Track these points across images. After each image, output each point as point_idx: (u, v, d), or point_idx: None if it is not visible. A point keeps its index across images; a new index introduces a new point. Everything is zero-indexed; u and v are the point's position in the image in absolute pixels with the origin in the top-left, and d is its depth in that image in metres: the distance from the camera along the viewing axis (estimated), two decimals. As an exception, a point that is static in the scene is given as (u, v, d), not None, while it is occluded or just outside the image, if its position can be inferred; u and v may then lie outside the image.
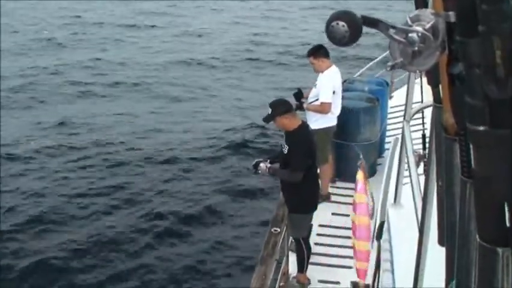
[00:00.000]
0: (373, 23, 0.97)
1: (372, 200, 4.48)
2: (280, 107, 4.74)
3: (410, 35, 0.95)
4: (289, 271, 5.14)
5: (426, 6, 1.05)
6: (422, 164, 2.97)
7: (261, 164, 4.89)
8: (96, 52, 18.44)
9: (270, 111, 4.75)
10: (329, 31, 0.96)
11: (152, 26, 23.16)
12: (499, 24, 0.72)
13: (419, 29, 0.95)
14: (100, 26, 22.75)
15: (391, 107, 7.85)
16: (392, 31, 0.97)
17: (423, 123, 3.39)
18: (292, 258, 5.16)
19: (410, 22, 0.96)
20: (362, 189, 4.45)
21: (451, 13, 0.90)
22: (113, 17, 24.73)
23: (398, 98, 7.88)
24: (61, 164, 9.95)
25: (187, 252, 7.43)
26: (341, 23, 0.95)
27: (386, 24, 0.97)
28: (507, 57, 0.73)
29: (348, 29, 0.95)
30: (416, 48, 0.96)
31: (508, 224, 0.81)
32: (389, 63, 1.02)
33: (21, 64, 16.74)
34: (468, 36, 0.80)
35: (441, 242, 1.27)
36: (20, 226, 7.84)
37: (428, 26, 0.95)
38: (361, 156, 4.57)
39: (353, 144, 6.26)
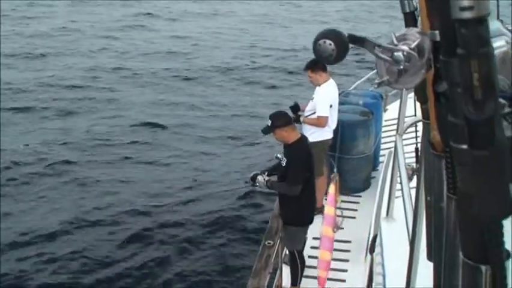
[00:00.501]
0: (359, 41, 0.99)
1: (341, 213, 4.84)
2: (280, 120, 4.75)
3: (395, 53, 0.97)
4: (283, 284, 5.11)
5: (416, 25, 1.07)
6: (414, 178, 2.98)
7: (259, 177, 4.87)
8: (89, 59, 18.24)
9: (269, 123, 4.76)
10: (316, 49, 0.98)
11: (152, 30, 23.11)
12: (477, 48, 0.74)
13: (405, 47, 0.97)
14: (96, 33, 22.65)
15: (386, 120, 7.85)
16: (377, 50, 0.98)
17: (416, 137, 3.40)
18: (286, 270, 5.13)
19: (395, 41, 0.98)
20: (331, 201, 4.76)
21: (437, 32, 0.91)
22: (110, 23, 24.63)
23: (392, 111, 7.90)
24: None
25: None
26: (328, 42, 0.97)
27: (372, 42, 0.98)
28: (484, 79, 0.74)
29: (335, 47, 0.96)
30: (402, 67, 0.97)
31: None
32: (376, 81, 1.04)
33: (23, 69, 16.69)
34: (451, 55, 0.82)
35: (429, 257, 1.28)
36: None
37: (413, 45, 0.97)
38: (335, 170, 4.66)
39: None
